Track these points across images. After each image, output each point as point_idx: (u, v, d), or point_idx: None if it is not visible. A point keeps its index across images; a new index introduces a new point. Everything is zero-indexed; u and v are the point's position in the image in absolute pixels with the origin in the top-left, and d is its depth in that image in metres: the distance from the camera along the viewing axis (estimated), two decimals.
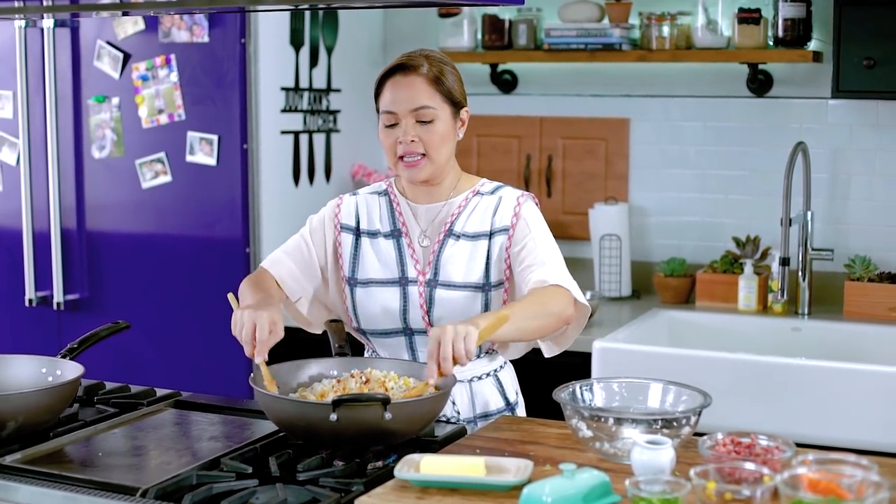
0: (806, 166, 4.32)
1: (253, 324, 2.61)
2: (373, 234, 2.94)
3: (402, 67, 2.81)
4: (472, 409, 2.90)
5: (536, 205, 2.93)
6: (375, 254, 2.92)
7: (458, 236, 2.87)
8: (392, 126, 2.82)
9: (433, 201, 2.92)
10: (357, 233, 2.95)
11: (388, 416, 2.38)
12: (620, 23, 4.56)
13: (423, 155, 2.81)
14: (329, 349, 2.92)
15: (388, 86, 2.82)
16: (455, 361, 2.50)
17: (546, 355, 2.96)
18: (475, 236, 2.87)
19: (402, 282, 2.88)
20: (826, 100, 4.46)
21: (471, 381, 2.90)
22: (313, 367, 2.79)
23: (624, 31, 4.56)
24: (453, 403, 2.88)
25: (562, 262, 2.84)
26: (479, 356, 2.92)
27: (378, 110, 2.85)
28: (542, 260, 2.81)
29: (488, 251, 2.86)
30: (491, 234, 2.87)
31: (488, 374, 2.93)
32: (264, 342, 2.62)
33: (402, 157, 2.82)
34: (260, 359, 2.63)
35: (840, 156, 4.48)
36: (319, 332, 3.05)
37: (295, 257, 2.97)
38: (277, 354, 2.68)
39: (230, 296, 2.82)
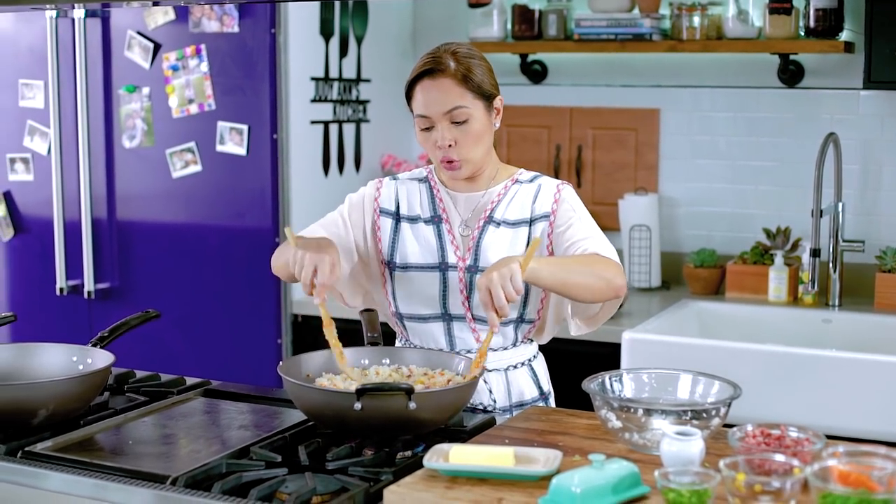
0: (837, 157, 4.30)
1: (314, 266, 2.61)
2: (413, 220, 2.95)
3: (429, 71, 2.79)
4: (508, 397, 2.91)
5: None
6: (416, 239, 2.92)
7: (499, 223, 2.88)
8: (427, 129, 2.82)
9: (473, 190, 2.93)
10: (397, 217, 2.96)
11: (412, 405, 2.38)
12: (651, 13, 4.55)
13: (462, 158, 2.82)
14: (362, 338, 2.92)
15: (418, 90, 2.81)
16: (508, 300, 2.54)
17: (573, 333, 2.96)
18: (516, 223, 2.88)
19: (443, 267, 2.88)
20: (857, 90, 4.44)
21: (507, 369, 2.91)
22: (345, 355, 2.78)
23: (654, 21, 4.54)
24: (490, 392, 2.88)
25: (608, 241, 2.84)
26: (515, 344, 2.92)
27: (412, 112, 2.85)
28: (591, 235, 2.82)
29: (529, 238, 2.87)
30: (532, 222, 2.88)
31: (523, 364, 2.94)
32: (324, 285, 2.62)
33: (441, 161, 2.83)
34: (319, 300, 2.64)
35: (871, 147, 4.46)
36: (356, 307, 3.05)
37: (331, 231, 2.96)
38: (306, 344, 2.69)
39: (288, 229, 2.77)
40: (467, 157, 2.82)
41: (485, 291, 2.55)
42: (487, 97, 2.83)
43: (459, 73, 2.78)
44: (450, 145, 2.80)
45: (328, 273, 2.61)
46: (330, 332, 2.67)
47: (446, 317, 2.89)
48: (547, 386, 3.00)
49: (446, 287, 2.88)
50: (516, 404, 2.92)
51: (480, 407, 2.87)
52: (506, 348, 2.91)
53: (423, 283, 2.89)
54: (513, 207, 2.90)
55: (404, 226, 2.95)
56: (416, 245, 2.92)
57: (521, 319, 2.89)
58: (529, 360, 2.96)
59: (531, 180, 2.94)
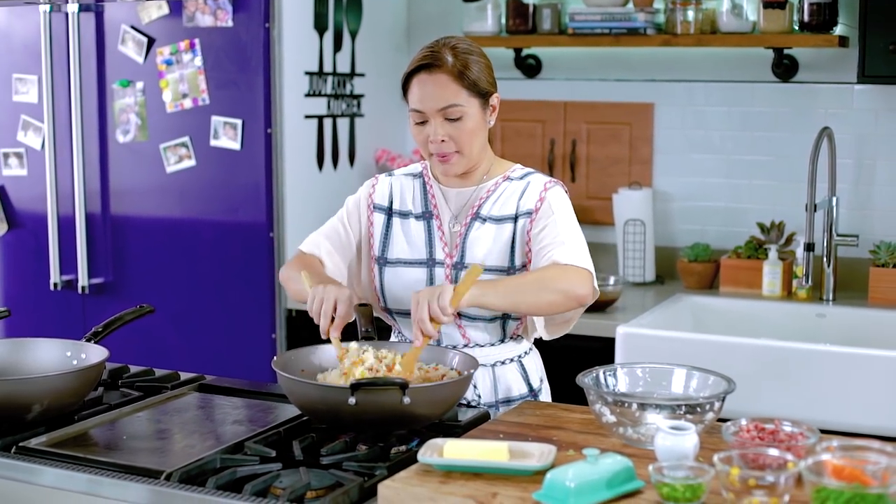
0: (831, 151, 4.30)
1: (334, 300, 2.63)
2: (404, 215, 2.95)
3: (426, 65, 2.79)
4: (493, 393, 2.91)
5: (566, 192, 2.93)
6: (405, 234, 2.93)
7: (485, 219, 2.88)
8: (421, 123, 2.82)
9: (465, 185, 2.93)
10: (389, 213, 2.97)
11: (406, 400, 2.38)
12: (645, 7, 4.55)
13: (455, 151, 2.81)
14: (356, 333, 2.92)
15: (414, 83, 2.81)
16: (434, 321, 2.56)
17: (544, 338, 2.96)
18: (500, 220, 2.87)
19: (430, 263, 2.89)
20: (852, 85, 4.44)
21: (494, 365, 2.91)
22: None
23: (648, 15, 4.54)
24: (475, 387, 2.89)
25: (583, 245, 2.82)
26: (503, 341, 2.92)
27: (407, 104, 2.85)
28: (562, 240, 2.79)
29: (513, 234, 2.86)
30: (516, 218, 2.87)
31: (512, 360, 2.94)
32: (343, 318, 2.65)
33: (433, 155, 2.83)
34: (335, 335, 2.66)
35: (865, 141, 4.46)
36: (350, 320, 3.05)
37: (332, 239, 2.99)
38: (300, 339, 2.69)
39: (304, 273, 2.80)
40: (460, 153, 2.82)
41: (413, 304, 2.58)
42: (483, 95, 2.83)
43: (456, 69, 2.78)
44: (442, 140, 2.80)
45: (346, 308, 2.66)
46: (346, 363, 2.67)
47: None
48: (538, 383, 2.99)
49: (432, 283, 2.88)
50: (502, 400, 2.91)
51: (464, 402, 2.86)
52: (493, 344, 2.91)
53: (411, 279, 2.90)
54: (500, 204, 2.89)
55: (395, 221, 2.96)
56: (405, 240, 2.92)
57: (506, 316, 2.89)
58: (519, 357, 2.96)
59: (522, 177, 2.93)
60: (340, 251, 2.98)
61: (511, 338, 2.94)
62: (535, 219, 2.85)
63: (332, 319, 2.67)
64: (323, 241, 2.99)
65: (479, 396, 2.90)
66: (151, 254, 4.69)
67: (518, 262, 2.86)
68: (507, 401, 2.91)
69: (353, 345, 2.72)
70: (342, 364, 2.65)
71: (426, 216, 2.93)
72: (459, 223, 2.91)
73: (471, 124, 2.81)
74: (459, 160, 2.84)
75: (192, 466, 2.32)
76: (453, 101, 2.77)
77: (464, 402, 2.86)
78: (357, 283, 3.04)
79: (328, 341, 2.74)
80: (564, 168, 4.90)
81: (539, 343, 3.06)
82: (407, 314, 2.92)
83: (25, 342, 2.92)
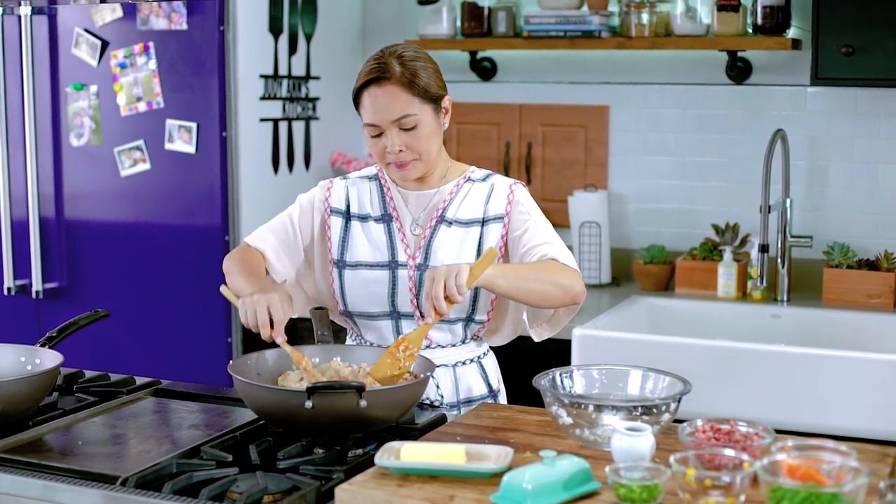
0: (785, 153, 4.33)
1: (266, 307, 2.60)
2: (363, 218, 2.94)
3: (375, 79, 2.78)
4: (455, 393, 2.92)
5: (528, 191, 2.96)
6: (366, 237, 2.92)
7: (451, 223, 2.89)
8: (377, 136, 2.82)
9: (423, 188, 2.93)
10: (347, 216, 2.96)
11: (363, 403, 2.38)
12: (599, 10, 4.56)
13: (414, 159, 2.82)
14: (312, 336, 2.92)
15: (365, 97, 2.80)
16: (448, 300, 2.57)
17: (536, 339, 2.98)
18: (468, 223, 2.88)
19: (392, 265, 2.88)
20: (805, 87, 4.47)
21: (455, 365, 2.91)
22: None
23: (603, 18, 4.55)
24: (437, 387, 2.89)
25: (565, 246, 2.87)
26: (464, 342, 2.93)
27: (361, 118, 2.84)
28: (548, 240, 2.86)
29: (480, 238, 2.87)
30: (484, 222, 2.89)
31: (472, 360, 2.95)
32: (281, 322, 2.61)
33: (391, 164, 2.83)
34: (281, 339, 2.62)
35: (818, 143, 4.49)
36: (295, 316, 3.04)
37: (280, 236, 2.97)
38: (256, 343, 2.68)
39: (224, 289, 2.78)
40: (418, 158, 2.82)
41: (429, 281, 2.59)
42: (435, 100, 2.83)
43: (405, 78, 2.77)
44: (400, 150, 2.79)
45: (280, 310, 2.61)
46: (306, 366, 2.66)
47: (394, 315, 2.89)
48: (497, 384, 3.00)
49: (395, 285, 2.88)
50: (464, 401, 2.92)
51: (427, 402, 2.87)
52: (454, 345, 2.92)
53: (373, 282, 2.89)
54: (465, 207, 2.90)
55: (354, 224, 2.94)
56: (367, 244, 2.92)
57: (469, 319, 2.89)
58: (479, 358, 2.97)
59: (483, 179, 2.94)
60: (286, 248, 2.96)
61: (472, 338, 2.95)
62: (510, 223, 2.88)
63: (273, 325, 2.64)
64: (269, 237, 2.97)
65: (442, 396, 2.90)
66: (106, 258, 4.66)
67: None
68: (469, 401, 2.92)
69: (308, 349, 2.72)
70: (302, 370, 2.65)
71: (386, 219, 2.93)
72: (422, 226, 2.91)
73: (426, 131, 2.81)
74: (417, 165, 2.84)
75: (149, 471, 2.31)
76: (406, 112, 2.77)
77: (427, 402, 2.87)
78: (307, 284, 3.03)
79: (293, 343, 2.74)
80: (520, 170, 4.91)
81: (495, 346, 3.07)
82: (367, 317, 2.92)
83: None
